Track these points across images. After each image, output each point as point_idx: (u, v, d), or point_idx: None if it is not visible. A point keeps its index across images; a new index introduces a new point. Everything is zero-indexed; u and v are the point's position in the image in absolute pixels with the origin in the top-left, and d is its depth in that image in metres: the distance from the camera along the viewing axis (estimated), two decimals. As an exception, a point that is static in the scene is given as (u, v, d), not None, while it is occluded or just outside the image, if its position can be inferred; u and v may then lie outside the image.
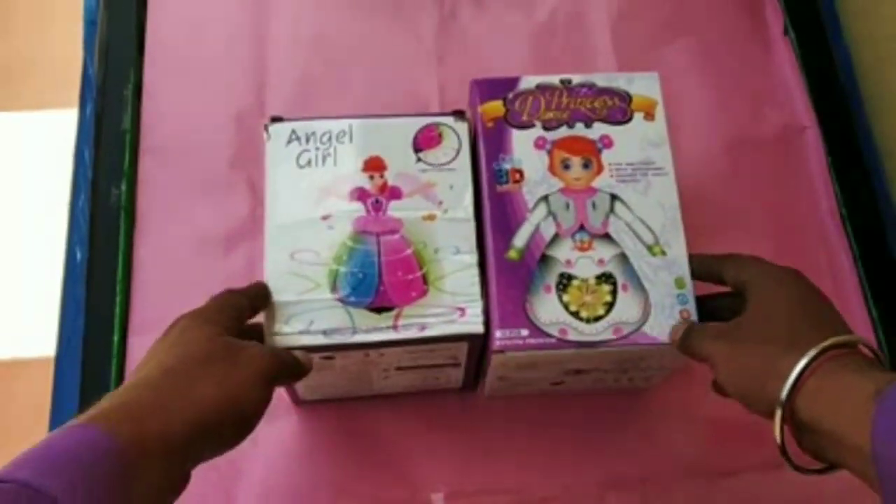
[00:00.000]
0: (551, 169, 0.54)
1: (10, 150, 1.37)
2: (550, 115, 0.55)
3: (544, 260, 0.52)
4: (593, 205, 0.53)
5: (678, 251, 0.52)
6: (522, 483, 0.59)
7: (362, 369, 0.54)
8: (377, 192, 0.53)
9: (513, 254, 0.52)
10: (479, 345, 0.52)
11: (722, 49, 0.75)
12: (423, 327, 0.49)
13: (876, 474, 0.35)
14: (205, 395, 0.41)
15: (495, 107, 0.56)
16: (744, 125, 0.72)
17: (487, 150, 0.55)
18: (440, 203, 0.53)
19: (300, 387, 0.56)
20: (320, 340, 0.48)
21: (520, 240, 0.52)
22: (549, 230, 0.53)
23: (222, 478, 0.58)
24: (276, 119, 0.55)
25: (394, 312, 0.49)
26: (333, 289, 0.50)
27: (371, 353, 0.51)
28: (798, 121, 0.72)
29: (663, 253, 0.52)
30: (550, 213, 0.53)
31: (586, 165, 0.54)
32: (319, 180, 0.53)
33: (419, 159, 0.54)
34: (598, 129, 0.55)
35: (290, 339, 0.48)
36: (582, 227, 0.53)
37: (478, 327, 0.49)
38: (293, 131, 0.54)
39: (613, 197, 0.54)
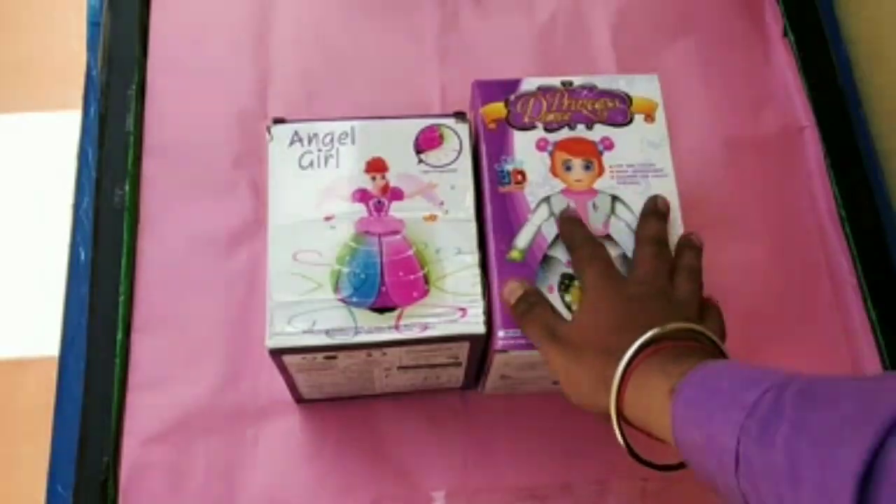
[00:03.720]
0: (553, 170, 0.55)
1: (14, 150, 1.38)
2: (552, 116, 0.56)
3: (546, 261, 0.52)
4: (594, 206, 0.54)
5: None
6: (523, 482, 0.60)
7: (364, 368, 0.54)
8: (379, 194, 0.53)
9: (515, 254, 0.52)
10: (480, 345, 0.52)
11: (721, 50, 0.75)
12: (424, 327, 0.50)
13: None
14: None
15: (497, 108, 0.56)
16: (743, 125, 0.72)
17: (489, 151, 0.55)
18: (441, 204, 0.53)
19: (302, 385, 0.56)
20: (323, 340, 0.49)
21: (522, 241, 0.53)
22: (550, 231, 0.53)
23: (223, 477, 0.59)
24: (278, 120, 0.55)
25: (396, 313, 0.50)
26: (336, 289, 0.50)
27: (373, 353, 0.51)
28: (797, 121, 0.72)
29: None
30: (552, 214, 0.54)
31: (587, 167, 0.55)
32: (321, 181, 0.53)
33: (420, 160, 0.54)
34: (599, 131, 0.56)
35: (292, 339, 0.49)
36: None
37: (479, 327, 0.50)
38: (295, 132, 0.55)
39: (614, 198, 0.54)
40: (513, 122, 0.56)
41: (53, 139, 1.36)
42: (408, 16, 0.75)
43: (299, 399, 0.60)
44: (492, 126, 0.55)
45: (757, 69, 0.74)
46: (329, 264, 0.51)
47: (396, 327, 0.49)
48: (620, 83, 0.57)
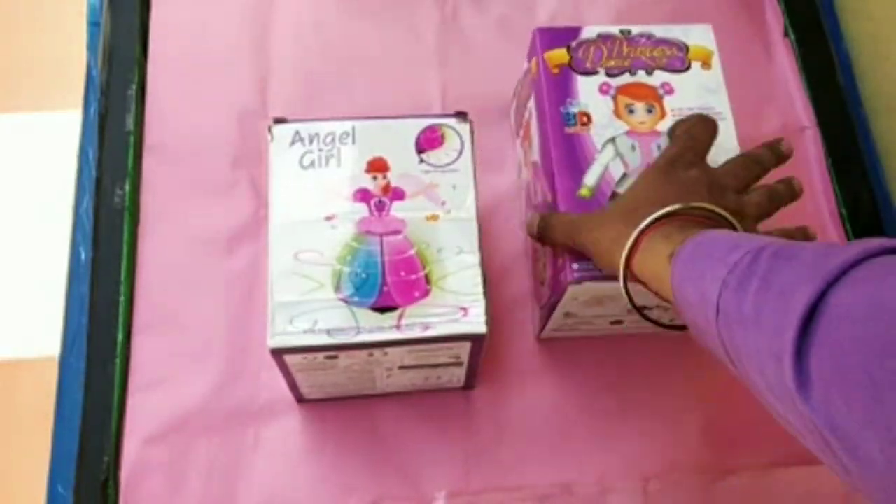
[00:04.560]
0: (616, 113, 0.57)
1: (14, 150, 1.38)
2: (612, 62, 0.58)
3: (614, 197, 0.54)
4: (658, 147, 0.56)
5: None
6: (524, 482, 0.60)
7: (365, 368, 0.54)
8: (380, 193, 0.53)
9: (584, 192, 0.55)
10: (481, 344, 0.52)
11: (722, 50, 0.75)
12: (426, 327, 0.50)
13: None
14: None
15: (560, 54, 0.58)
16: (744, 125, 0.71)
17: (554, 94, 0.57)
18: (443, 203, 0.53)
19: (303, 385, 0.56)
20: (324, 340, 0.49)
21: (591, 178, 0.55)
22: (617, 170, 0.55)
23: (224, 477, 0.59)
24: (279, 120, 0.55)
25: (397, 312, 0.50)
26: (337, 289, 0.50)
27: (375, 353, 0.51)
28: (798, 121, 0.72)
29: None
30: (618, 153, 0.56)
31: (650, 110, 0.57)
32: (323, 181, 0.53)
33: (422, 160, 0.54)
34: (659, 77, 0.58)
35: (294, 338, 0.49)
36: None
37: (480, 327, 0.50)
38: (297, 132, 0.55)
39: None
40: (575, 67, 0.58)
41: (53, 139, 1.36)
42: (408, 16, 0.75)
43: (300, 399, 0.60)
44: (555, 71, 0.58)
45: (757, 69, 0.74)
46: (330, 264, 0.51)
47: (398, 327, 0.49)
48: (676, 32, 0.60)
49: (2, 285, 1.28)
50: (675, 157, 0.51)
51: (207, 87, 0.71)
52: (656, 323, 0.50)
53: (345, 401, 0.60)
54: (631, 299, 0.48)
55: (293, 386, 0.56)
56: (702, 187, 0.50)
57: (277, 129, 0.55)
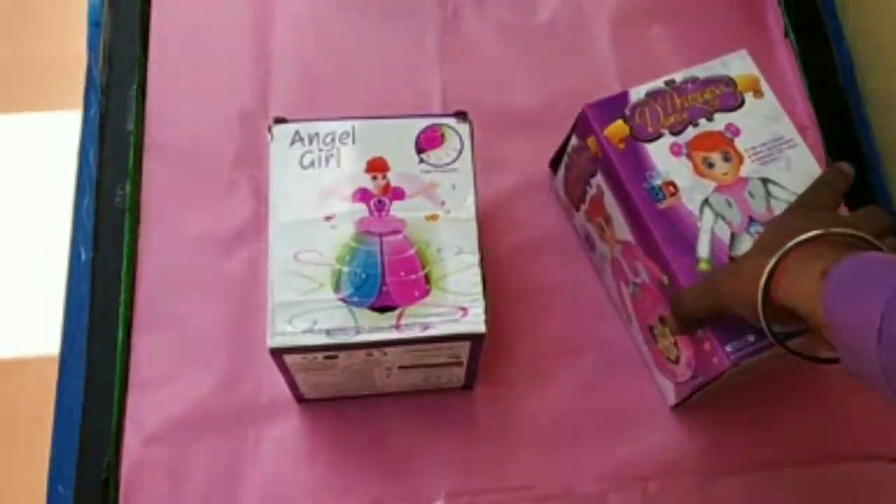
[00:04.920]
0: (697, 171, 0.55)
1: (14, 151, 1.38)
2: (672, 119, 0.56)
3: (733, 260, 0.52)
4: (750, 194, 0.54)
5: None
6: (524, 482, 0.60)
7: (365, 368, 0.54)
8: (380, 193, 0.53)
9: (703, 265, 0.52)
10: (480, 344, 0.52)
11: (723, 50, 0.74)
12: (425, 327, 0.50)
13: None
14: None
15: (619, 127, 0.56)
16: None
17: (631, 171, 0.54)
18: (443, 203, 0.53)
19: (303, 385, 0.56)
20: (324, 340, 0.49)
21: (703, 249, 0.52)
22: (723, 232, 0.53)
23: (224, 476, 0.59)
24: (279, 120, 0.55)
25: (396, 312, 0.50)
26: (337, 289, 0.50)
27: (374, 353, 0.51)
28: (798, 121, 0.72)
29: None
30: (717, 215, 0.53)
31: (727, 158, 0.55)
32: (323, 181, 0.53)
33: (422, 160, 0.54)
34: (721, 120, 0.56)
35: (293, 338, 0.49)
36: (752, 219, 0.53)
37: (479, 326, 0.50)
38: (297, 132, 0.55)
39: (765, 181, 0.54)
40: (639, 135, 0.55)
41: (53, 139, 1.36)
42: (408, 15, 0.75)
43: (300, 398, 0.60)
44: (621, 146, 0.55)
45: (758, 69, 0.74)
46: (330, 264, 0.51)
47: (397, 327, 0.49)
48: (717, 67, 0.58)
49: (2, 285, 1.28)
50: (809, 200, 0.51)
51: (208, 87, 0.71)
52: (799, 355, 0.48)
53: (345, 401, 0.60)
54: (770, 329, 0.46)
55: (293, 386, 0.56)
56: (839, 220, 0.49)
57: (277, 129, 0.55)
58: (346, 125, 0.55)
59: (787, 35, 0.75)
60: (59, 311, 0.64)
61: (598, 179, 0.57)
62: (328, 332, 0.49)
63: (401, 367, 0.55)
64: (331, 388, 0.58)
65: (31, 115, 1.40)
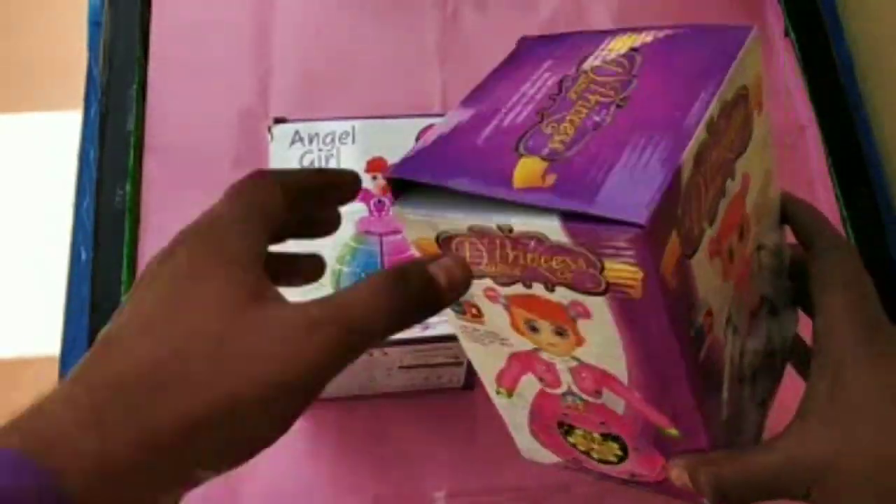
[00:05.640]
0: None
1: (15, 151, 1.38)
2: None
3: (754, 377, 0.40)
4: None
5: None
6: (523, 482, 0.60)
7: (365, 367, 0.54)
8: (380, 193, 0.53)
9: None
10: None
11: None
12: (425, 327, 0.49)
13: None
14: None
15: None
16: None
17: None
18: None
19: None
20: None
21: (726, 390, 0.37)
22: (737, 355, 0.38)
23: (224, 476, 0.59)
24: (279, 120, 0.55)
25: None
26: (336, 288, 0.50)
27: (374, 352, 0.51)
28: (798, 121, 0.72)
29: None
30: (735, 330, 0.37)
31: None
32: None
33: None
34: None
35: None
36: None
37: None
38: (297, 132, 0.55)
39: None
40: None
41: (53, 139, 1.36)
42: (408, 15, 0.75)
43: None
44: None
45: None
46: (330, 264, 0.51)
47: None
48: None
49: (2, 285, 1.28)
50: (866, 321, 0.34)
51: (208, 87, 0.71)
52: None
53: (345, 400, 0.60)
54: None
55: None
56: None
57: (277, 129, 0.55)
58: (346, 125, 0.55)
59: (787, 34, 0.75)
60: (59, 312, 0.64)
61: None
62: None
63: (401, 367, 0.55)
64: (330, 387, 0.57)
65: (31, 115, 1.40)
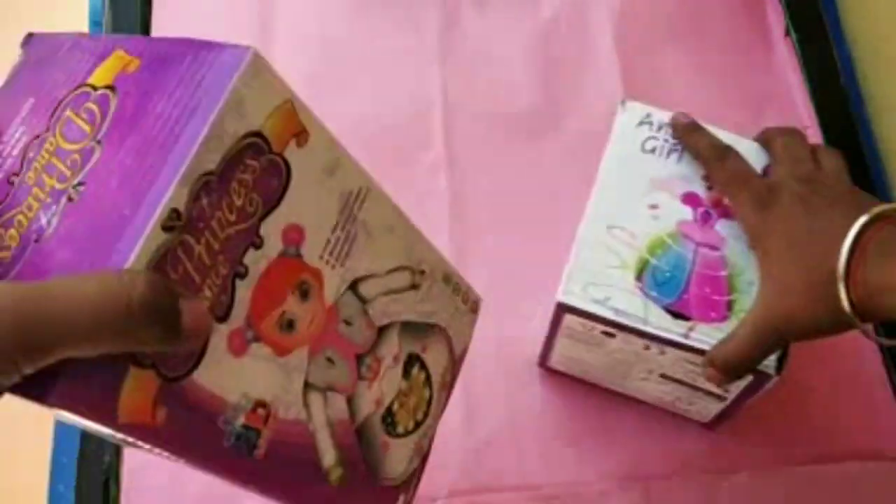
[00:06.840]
0: (278, 352, 0.33)
1: (14, 150, 1.38)
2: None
3: None
4: (346, 322, 0.36)
5: None
6: (524, 482, 0.59)
7: (629, 360, 0.53)
8: (710, 205, 0.52)
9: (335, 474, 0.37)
10: (761, 385, 0.49)
11: (723, 50, 0.75)
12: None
13: None
14: None
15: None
16: (744, 125, 0.71)
17: None
18: None
19: (557, 352, 0.56)
20: (611, 316, 0.48)
21: (329, 456, 0.37)
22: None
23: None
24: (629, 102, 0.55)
25: (689, 324, 0.48)
26: (639, 276, 0.49)
27: (652, 347, 0.50)
28: (799, 121, 0.72)
29: None
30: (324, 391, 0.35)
31: (305, 294, 0.33)
32: (657, 171, 0.52)
33: None
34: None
35: (584, 302, 0.49)
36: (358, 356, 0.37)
37: (769, 368, 0.47)
38: (648, 115, 0.54)
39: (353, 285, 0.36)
40: None
41: (54, 139, 1.36)
42: (409, 15, 0.75)
43: (543, 363, 0.59)
44: None
45: (759, 69, 0.74)
46: (640, 249, 0.50)
47: (686, 336, 0.48)
48: None
49: (3, 285, 1.28)
50: (803, 195, 0.47)
51: (208, 86, 0.71)
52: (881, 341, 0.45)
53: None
54: (855, 310, 0.42)
55: (547, 347, 0.56)
56: (862, 197, 0.46)
57: (630, 105, 0.55)
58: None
59: (787, 35, 0.75)
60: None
61: None
62: (616, 312, 0.48)
63: (662, 376, 0.53)
64: (580, 367, 0.57)
65: (31, 114, 1.40)
